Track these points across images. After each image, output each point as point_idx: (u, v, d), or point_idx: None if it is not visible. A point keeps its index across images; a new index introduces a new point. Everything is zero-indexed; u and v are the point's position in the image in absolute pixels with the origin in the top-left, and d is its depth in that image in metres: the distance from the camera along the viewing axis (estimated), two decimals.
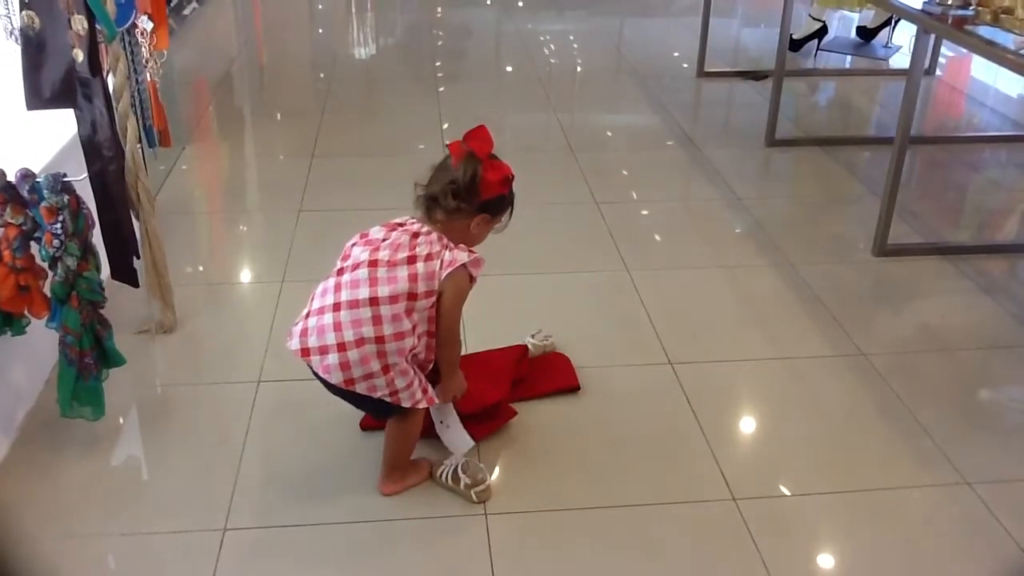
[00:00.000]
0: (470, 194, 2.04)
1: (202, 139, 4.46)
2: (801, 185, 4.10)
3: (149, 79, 3.32)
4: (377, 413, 2.20)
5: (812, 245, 3.41)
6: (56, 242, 2.14)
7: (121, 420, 2.45)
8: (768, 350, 2.79)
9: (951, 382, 2.67)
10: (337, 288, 2.03)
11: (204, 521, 2.11)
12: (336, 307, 2.01)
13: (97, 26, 2.38)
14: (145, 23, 3.21)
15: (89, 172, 2.48)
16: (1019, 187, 4.19)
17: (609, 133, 4.62)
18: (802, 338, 2.85)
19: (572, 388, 2.57)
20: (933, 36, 3.59)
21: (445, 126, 4.52)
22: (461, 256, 2.04)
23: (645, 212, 3.72)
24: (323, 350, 2.01)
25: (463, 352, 2.56)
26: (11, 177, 2.15)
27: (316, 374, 2.07)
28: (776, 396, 2.60)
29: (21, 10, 2.32)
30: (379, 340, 1.99)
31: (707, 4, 5.20)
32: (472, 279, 2.08)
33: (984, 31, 2.88)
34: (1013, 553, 2.07)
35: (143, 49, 3.21)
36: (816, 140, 4.42)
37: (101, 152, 2.48)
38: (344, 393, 2.07)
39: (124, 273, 2.64)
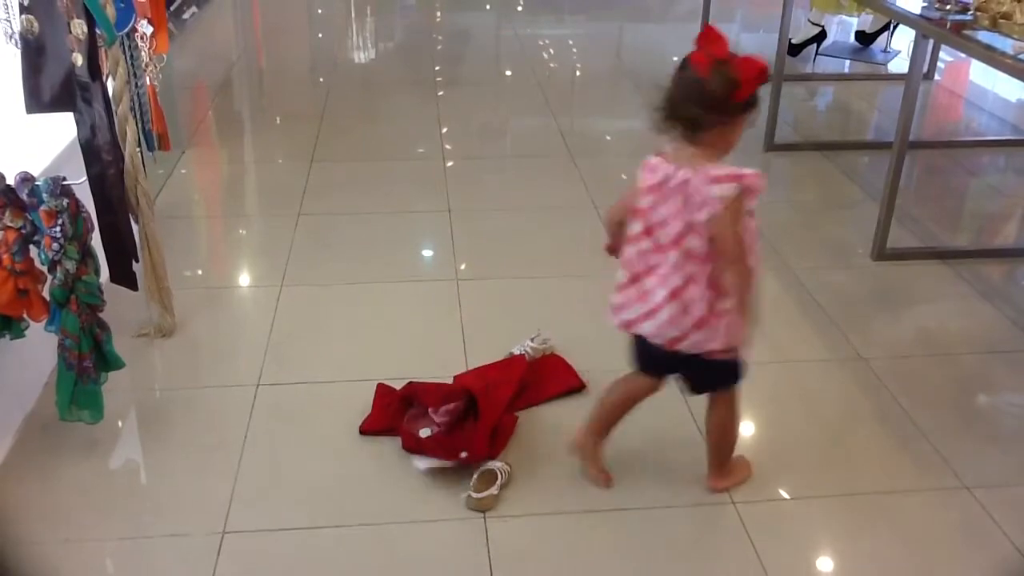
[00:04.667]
0: (729, 102, 1.86)
1: (201, 143, 4.46)
2: (800, 189, 4.10)
3: (149, 83, 3.32)
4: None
5: (811, 249, 3.41)
6: (55, 246, 2.14)
7: (120, 423, 2.45)
8: (767, 353, 2.78)
9: (950, 386, 2.67)
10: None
11: (202, 524, 2.11)
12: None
13: (97, 30, 2.38)
14: (145, 27, 3.21)
15: (88, 176, 2.48)
16: (1017, 192, 4.20)
17: (608, 138, 4.63)
18: (801, 342, 2.85)
19: (578, 388, 2.58)
20: (932, 41, 3.59)
21: (444, 130, 4.52)
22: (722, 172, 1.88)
23: None
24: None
25: (464, 369, 2.59)
26: (10, 180, 2.15)
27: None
28: (775, 399, 2.60)
29: (21, 14, 2.33)
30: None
31: (706, 9, 5.21)
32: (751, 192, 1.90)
33: (983, 36, 2.88)
34: (1011, 557, 2.07)
35: (143, 53, 3.22)
36: (815, 144, 4.42)
37: (100, 156, 2.48)
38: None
39: (123, 276, 2.64)
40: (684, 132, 1.91)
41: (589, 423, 2.25)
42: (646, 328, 2.01)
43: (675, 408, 2.52)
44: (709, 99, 1.86)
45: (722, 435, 2.21)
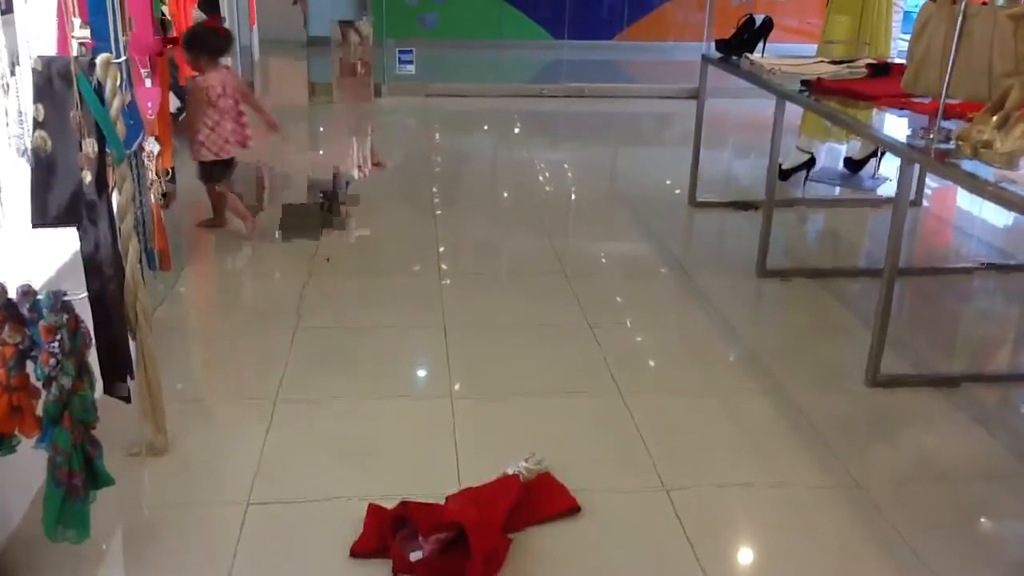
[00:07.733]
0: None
1: (201, 260, 4.51)
2: (793, 315, 4.13)
3: (153, 201, 3.38)
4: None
5: (806, 375, 3.42)
6: (53, 361, 2.14)
7: (104, 546, 2.40)
8: (764, 479, 2.76)
9: (948, 514, 2.64)
10: None
11: None
12: None
13: (107, 148, 2.44)
14: (152, 145, 3.29)
15: (88, 290, 2.49)
16: (1008, 317, 4.24)
17: (603, 259, 4.69)
18: (798, 467, 2.83)
19: (572, 509, 2.54)
20: (918, 168, 3.68)
21: (441, 249, 4.58)
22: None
23: (639, 338, 3.74)
24: None
25: (457, 488, 2.58)
26: (12, 294, 2.16)
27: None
28: (771, 526, 2.57)
29: (34, 131, 2.39)
30: None
31: (698, 136, 5.34)
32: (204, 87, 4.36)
33: (966, 164, 2.95)
34: None
35: (149, 172, 3.28)
36: (807, 271, 4.47)
37: (102, 271, 2.50)
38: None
39: (117, 390, 2.63)
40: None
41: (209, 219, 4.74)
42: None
43: (671, 533, 2.49)
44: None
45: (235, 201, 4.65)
